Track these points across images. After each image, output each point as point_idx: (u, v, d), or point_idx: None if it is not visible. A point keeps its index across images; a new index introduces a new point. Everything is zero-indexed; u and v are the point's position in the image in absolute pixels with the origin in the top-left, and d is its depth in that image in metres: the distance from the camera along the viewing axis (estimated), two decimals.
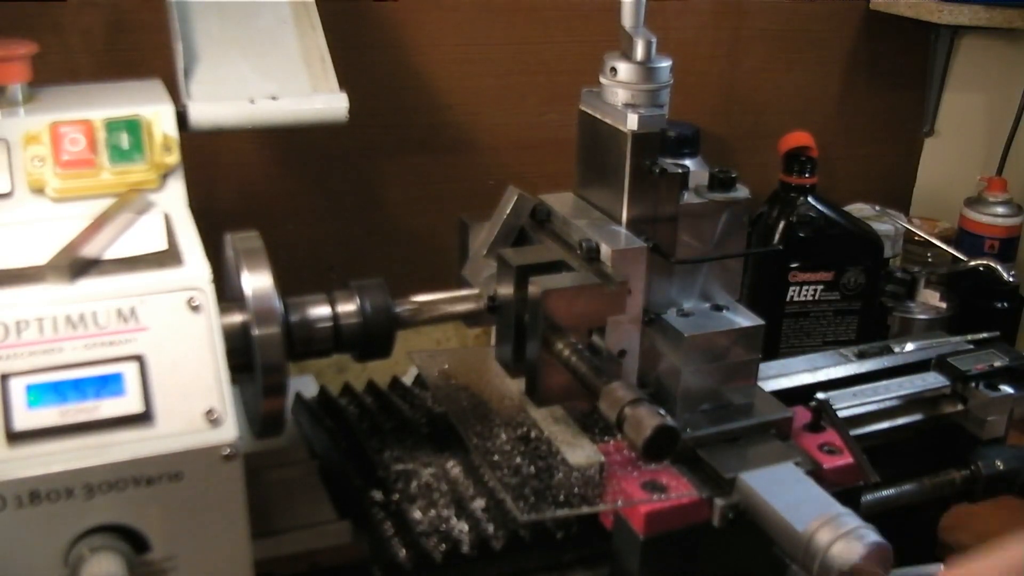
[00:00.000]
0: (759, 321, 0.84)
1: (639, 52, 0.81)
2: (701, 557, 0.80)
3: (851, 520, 0.69)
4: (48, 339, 0.68)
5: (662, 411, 0.68)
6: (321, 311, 0.81)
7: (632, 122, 0.81)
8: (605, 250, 0.80)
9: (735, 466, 0.78)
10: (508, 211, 0.87)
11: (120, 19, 1.22)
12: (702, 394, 0.83)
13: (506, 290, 0.81)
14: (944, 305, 1.34)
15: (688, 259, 0.84)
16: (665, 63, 0.82)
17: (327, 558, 0.83)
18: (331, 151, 1.37)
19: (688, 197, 0.84)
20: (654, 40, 0.81)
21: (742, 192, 0.85)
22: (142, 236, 0.76)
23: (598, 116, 0.84)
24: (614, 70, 0.82)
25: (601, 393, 0.70)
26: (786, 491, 0.75)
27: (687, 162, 1.41)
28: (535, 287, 0.75)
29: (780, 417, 0.84)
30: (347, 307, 0.82)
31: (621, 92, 0.82)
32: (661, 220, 0.83)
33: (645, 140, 0.81)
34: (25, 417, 0.66)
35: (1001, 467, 0.99)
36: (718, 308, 0.85)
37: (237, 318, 0.75)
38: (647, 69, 0.81)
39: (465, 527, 0.82)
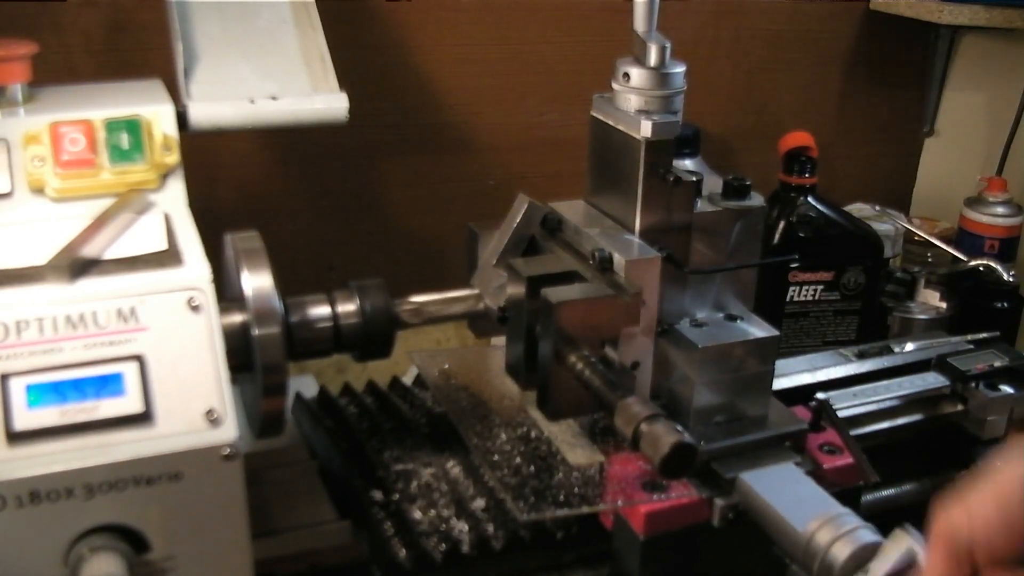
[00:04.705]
0: (774, 332, 0.82)
1: (653, 57, 0.79)
2: (701, 557, 0.80)
3: (851, 520, 0.69)
4: (48, 339, 0.68)
5: (679, 427, 0.67)
6: (321, 311, 0.81)
7: (646, 129, 0.79)
8: (618, 260, 0.78)
9: (735, 466, 0.78)
10: (518, 220, 0.85)
11: (120, 19, 1.22)
12: (716, 406, 0.81)
13: (517, 301, 0.80)
14: (944, 305, 1.34)
15: (702, 269, 0.83)
16: (679, 68, 0.80)
17: (327, 558, 0.84)
18: (331, 151, 1.37)
19: (702, 205, 0.83)
20: (668, 45, 0.79)
21: (756, 200, 0.84)
22: (142, 236, 0.76)
23: (610, 122, 0.83)
24: (627, 75, 0.80)
25: (616, 408, 0.70)
26: (786, 491, 0.75)
27: (687, 162, 1.41)
28: (547, 298, 0.74)
29: (795, 430, 0.83)
30: (347, 307, 0.82)
31: (634, 98, 0.80)
32: (675, 229, 0.82)
33: (659, 147, 0.79)
34: (25, 417, 0.66)
35: (1006, 444, 0.99)
36: (732, 318, 0.84)
37: (237, 318, 0.75)
38: (661, 75, 0.80)
39: (465, 527, 0.82)
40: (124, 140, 0.80)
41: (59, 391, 0.67)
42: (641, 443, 0.67)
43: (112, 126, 0.80)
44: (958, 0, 1.47)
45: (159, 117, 0.82)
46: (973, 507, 0.57)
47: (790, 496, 0.74)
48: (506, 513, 0.83)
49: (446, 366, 0.94)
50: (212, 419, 0.69)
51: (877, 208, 1.53)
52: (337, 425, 0.98)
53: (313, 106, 0.92)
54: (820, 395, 0.90)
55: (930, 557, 0.58)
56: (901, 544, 0.63)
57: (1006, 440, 1.01)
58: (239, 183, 1.34)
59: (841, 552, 0.67)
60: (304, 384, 1.14)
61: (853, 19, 1.63)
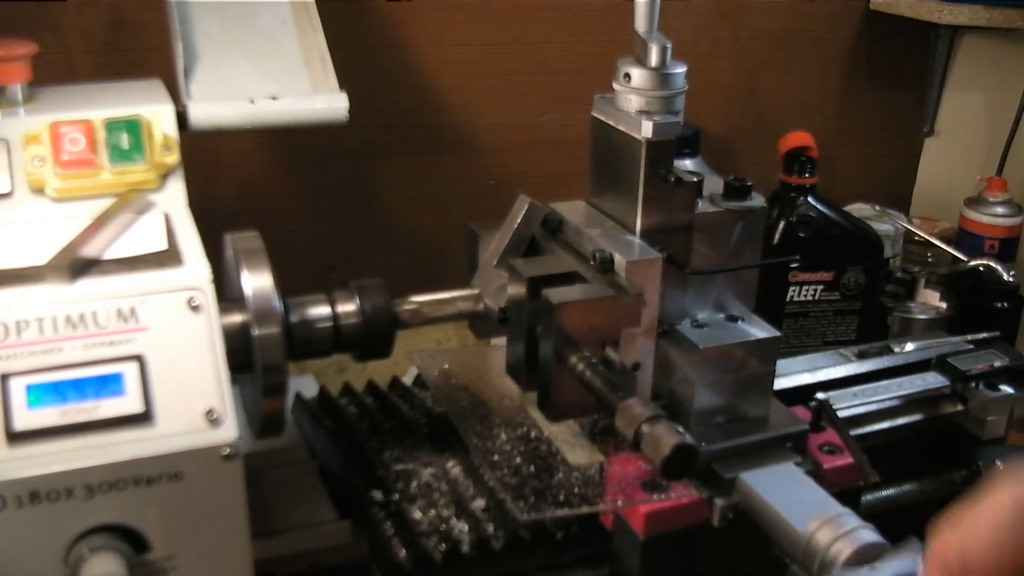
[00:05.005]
0: (775, 333, 0.82)
1: (654, 58, 0.79)
2: (701, 557, 0.80)
3: (851, 520, 0.69)
4: (48, 339, 0.68)
5: (680, 428, 0.67)
6: (321, 311, 0.81)
7: (647, 129, 0.78)
8: (619, 260, 0.78)
9: (735, 466, 0.78)
10: (519, 220, 0.85)
11: (120, 19, 1.22)
12: (717, 407, 0.81)
13: (518, 302, 0.80)
14: (944, 305, 1.34)
15: (703, 269, 0.83)
16: (680, 69, 0.80)
17: (327, 558, 0.84)
18: (331, 151, 1.37)
19: (703, 206, 0.82)
20: (669, 45, 0.79)
21: (757, 201, 0.84)
22: (142, 236, 0.76)
23: (611, 123, 0.82)
24: (628, 76, 0.80)
25: (617, 409, 0.70)
26: (786, 491, 0.75)
27: (687, 162, 1.41)
28: (548, 299, 0.74)
29: (796, 431, 0.83)
30: (347, 307, 0.82)
31: (635, 98, 0.80)
32: (676, 229, 0.81)
33: (660, 148, 0.79)
34: (25, 417, 0.66)
35: (1001, 467, 0.99)
36: (733, 319, 0.84)
37: (237, 318, 0.75)
38: (662, 75, 0.79)
39: (465, 527, 0.82)
40: (124, 140, 0.80)
41: (59, 391, 0.67)
42: (642, 445, 0.67)
43: (112, 126, 0.80)
44: (958, 0, 1.47)
45: (159, 117, 0.82)
46: (967, 532, 0.56)
47: (790, 496, 0.74)
48: (506, 513, 0.83)
49: (446, 366, 0.94)
50: (212, 419, 0.69)
51: (877, 208, 1.53)
52: (337, 425, 0.98)
53: (313, 106, 0.92)
54: (820, 395, 0.90)
55: None
56: (909, 553, 0.63)
57: (1006, 441, 1.01)
58: (239, 183, 1.34)
59: (841, 552, 0.67)
60: (304, 384, 1.14)
61: (853, 19, 1.63)
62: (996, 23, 1.47)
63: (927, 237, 1.46)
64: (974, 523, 0.57)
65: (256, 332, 0.75)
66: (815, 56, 1.63)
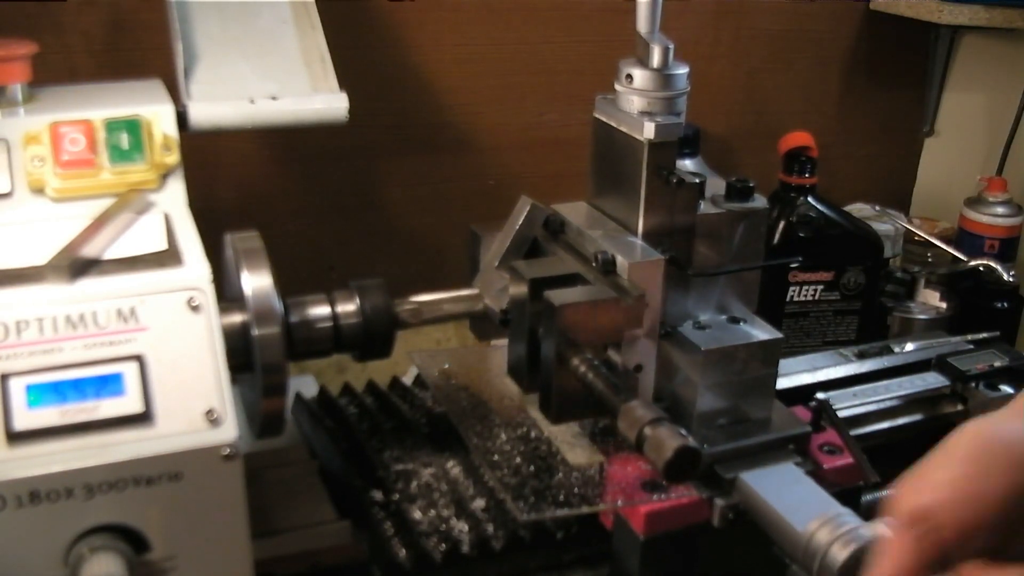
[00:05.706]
0: (777, 334, 0.82)
1: (656, 59, 0.79)
2: (701, 557, 0.80)
3: (851, 520, 0.69)
4: (48, 339, 0.68)
5: (683, 431, 0.67)
6: (321, 311, 0.81)
7: (649, 131, 0.78)
8: (621, 262, 0.78)
9: (735, 466, 0.78)
10: (520, 222, 0.85)
11: (120, 19, 1.22)
12: (719, 409, 0.81)
13: (519, 303, 0.80)
14: (944, 305, 1.34)
15: (706, 271, 0.82)
16: (682, 70, 0.80)
17: (327, 558, 0.84)
18: (331, 151, 1.37)
19: (705, 207, 0.82)
20: (671, 46, 0.79)
21: (760, 202, 0.83)
22: (142, 236, 0.76)
23: (613, 124, 0.82)
24: (630, 77, 0.80)
25: (619, 412, 0.70)
26: (786, 491, 0.75)
27: (687, 162, 1.41)
28: (550, 301, 0.74)
29: (799, 432, 0.82)
30: (347, 307, 0.82)
31: (637, 99, 0.80)
32: (678, 231, 0.81)
33: (662, 149, 0.79)
34: (25, 417, 0.66)
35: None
36: (735, 320, 0.84)
37: (237, 318, 0.75)
38: (664, 76, 0.79)
39: (465, 527, 0.82)
40: (124, 140, 0.80)
41: (59, 391, 0.67)
42: (645, 447, 0.67)
43: (112, 126, 0.80)
44: (958, 0, 1.47)
45: (159, 117, 0.82)
46: (937, 482, 0.54)
47: (790, 496, 0.74)
48: (506, 513, 0.83)
49: (446, 366, 0.94)
50: (212, 419, 0.69)
51: (877, 208, 1.53)
52: (337, 425, 0.98)
53: (313, 106, 0.92)
54: (820, 395, 0.90)
55: (896, 540, 0.54)
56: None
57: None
58: (239, 183, 1.34)
59: (841, 552, 0.67)
60: (304, 384, 1.14)
61: (853, 19, 1.63)
62: (996, 23, 1.47)
63: (927, 237, 1.46)
64: (944, 472, 0.55)
65: (256, 332, 0.75)
66: (815, 56, 1.63)
